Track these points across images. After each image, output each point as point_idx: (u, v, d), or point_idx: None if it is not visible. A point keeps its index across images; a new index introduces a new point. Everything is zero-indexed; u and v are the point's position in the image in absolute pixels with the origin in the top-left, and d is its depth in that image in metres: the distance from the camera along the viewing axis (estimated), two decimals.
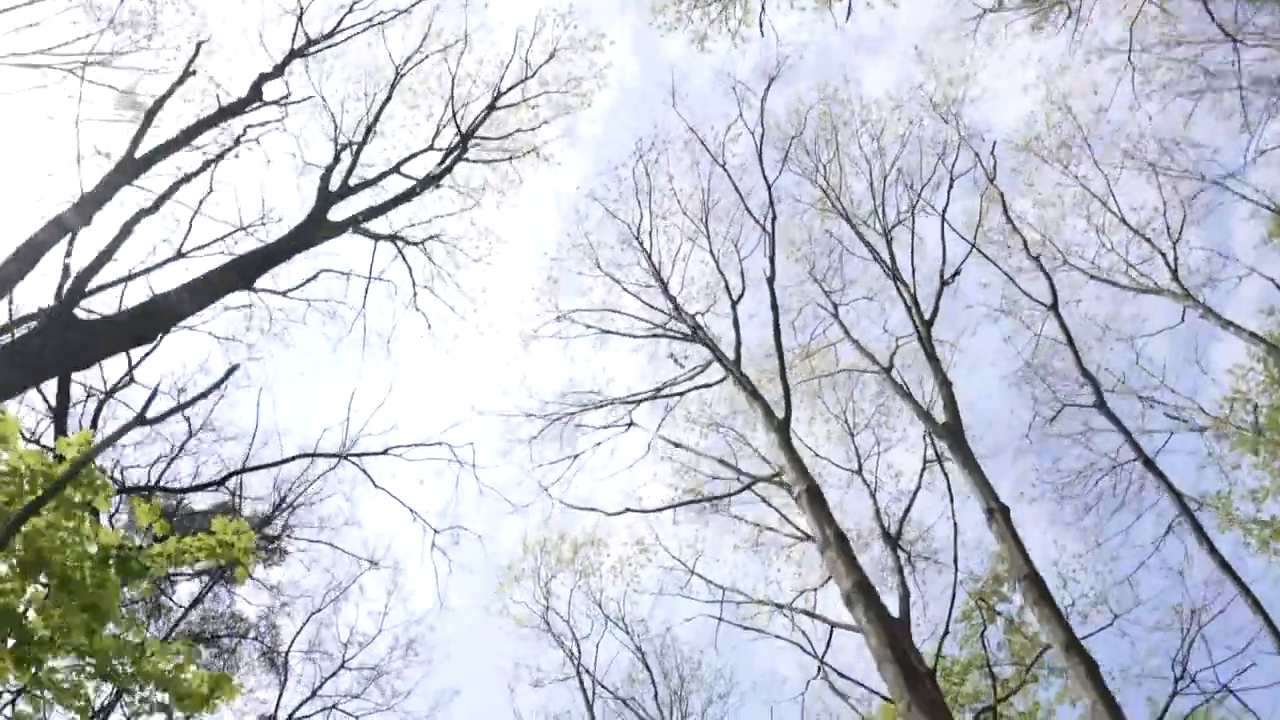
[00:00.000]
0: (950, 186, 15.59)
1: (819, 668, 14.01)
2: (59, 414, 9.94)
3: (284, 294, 17.24)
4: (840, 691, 12.80)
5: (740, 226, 17.92)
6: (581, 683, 17.82)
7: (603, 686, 17.85)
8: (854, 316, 17.89)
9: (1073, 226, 18.16)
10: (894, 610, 15.46)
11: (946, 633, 14.03)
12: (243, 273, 11.94)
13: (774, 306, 13.16)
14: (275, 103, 14.43)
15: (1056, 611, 8.60)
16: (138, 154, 11.15)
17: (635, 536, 20.52)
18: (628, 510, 14.55)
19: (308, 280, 17.37)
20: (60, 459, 7.49)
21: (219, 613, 20.20)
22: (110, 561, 8.07)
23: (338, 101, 16.35)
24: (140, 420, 5.87)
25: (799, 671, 19.76)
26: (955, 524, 15.12)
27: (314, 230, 13.41)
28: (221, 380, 6.90)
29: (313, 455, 14.60)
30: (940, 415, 12.12)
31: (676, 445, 13.93)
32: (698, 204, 18.03)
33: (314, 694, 22.07)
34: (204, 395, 6.70)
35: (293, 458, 14.37)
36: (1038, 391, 15.35)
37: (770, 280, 13.58)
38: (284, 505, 17.95)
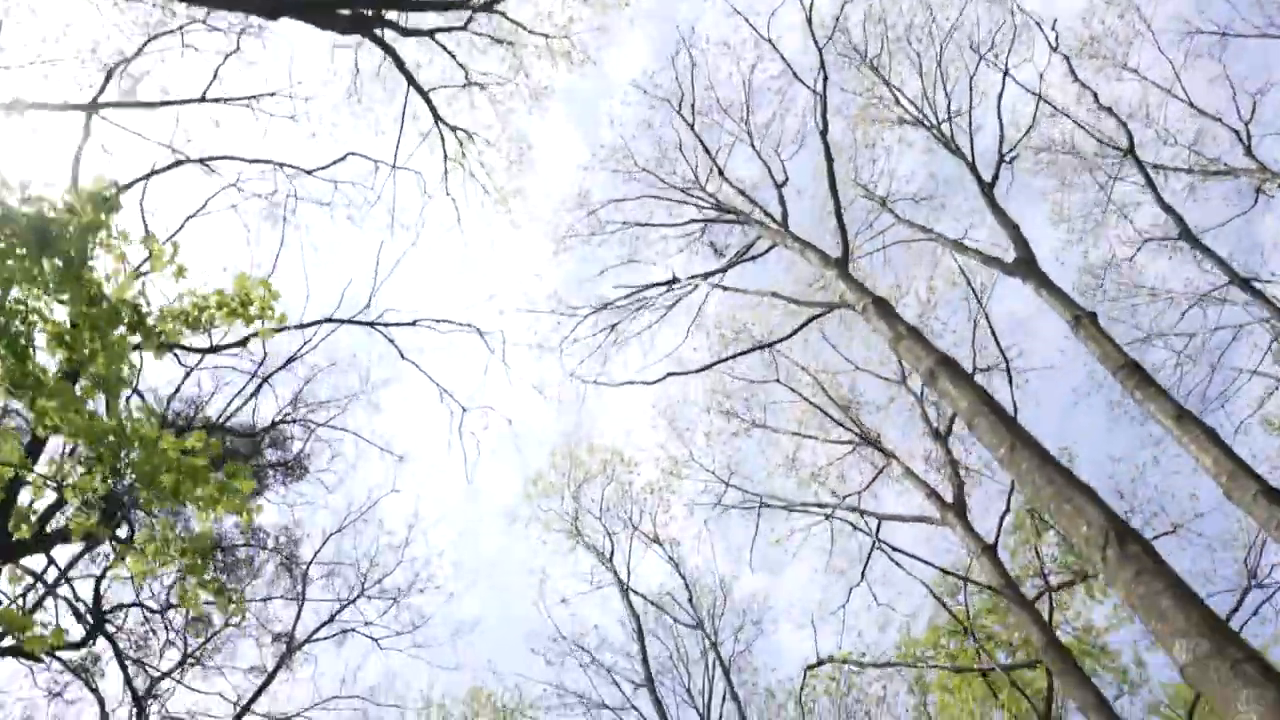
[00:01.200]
0: (1008, 59, 14.75)
1: (873, 544, 13.19)
2: None
3: (310, 173, 16.75)
4: (900, 563, 11.96)
5: (780, 128, 17.26)
6: (618, 577, 16.96)
7: (635, 593, 17.00)
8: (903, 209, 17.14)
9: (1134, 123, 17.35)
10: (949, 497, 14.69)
11: (1007, 510, 13.18)
12: None
13: (828, 157, 12.39)
14: None
15: (1162, 391, 7.81)
16: None
17: (668, 454, 19.86)
18: (669, 375, 13.79)
19: (335, 161, 16.86)
20: None
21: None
22: (121, 316, 7.38)
23: None
24: None
25: (833, 594, 18.80)
26: (1015, 401, 14.32)
27: None
28: None
29: (340, 321, 13.96)
30: (1010, 256, 11.32)
31: (727, 289, 13.08)
32: (739, 105, 17.37)
33: (332, 618, 21.44)
34: None
35: (318, 321, 13.72)
36: (1115, 233, 14.29)
37: (823, 133, 12.83)
38: (301, 401, 17.20)
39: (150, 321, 7.66)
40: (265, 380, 13.53)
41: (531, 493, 18.41)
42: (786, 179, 15.98)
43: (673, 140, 17.65)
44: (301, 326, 13.77)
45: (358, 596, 21.86)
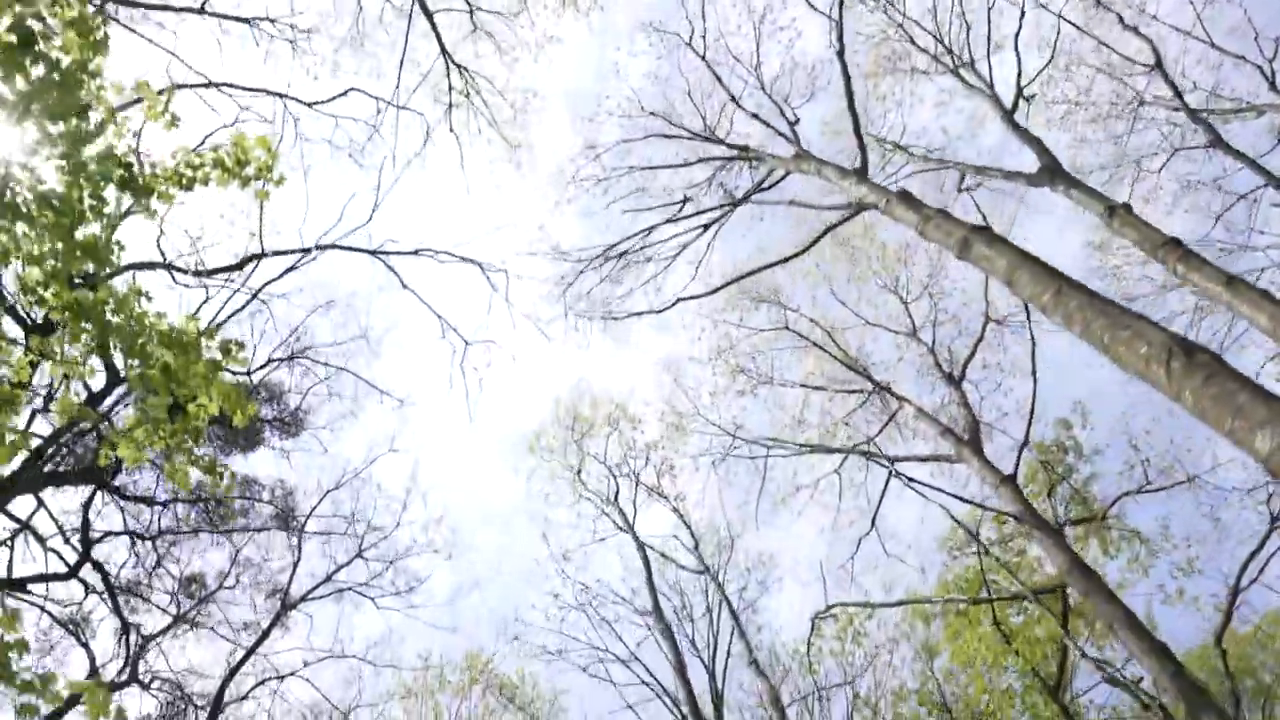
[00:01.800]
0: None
1: (889, 475, 12.81)
2: None
3: (311, 105, 16.35)
4: (919, 490, 11.57)
5: (790, 83, 16.94)
6: (622, 514, 16.54)
7: (640, 539, 16.55)
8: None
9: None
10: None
11: (1026, 443, 12.82)
12: None
13: (845, 75, 12.02)
14: None
15: (1207, 261, 7.45)
16: None
17: (673, 409, 19.48)
18: (679, 301, 13.41)
19: (337, 96, 16.48)
20: None
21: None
22: (112, 171, 6.98)
23: None
24: None
25: (840, 552, 18.36)
26: (1033, 336, 13.99)
27: None
28: None
29: (340, 248, 13.57)
30: (1033, 167, 10.95)
31: (752, 200, 12.63)
32: (749, 54, 17.02)
33: (329, 578, 21.02)
34: None
35: (317, 247, 13.32)
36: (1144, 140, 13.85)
37: (840, 53, 12.46)
38: (298, 338, 16.76)
39: (141, 181, 7.24)
40: (256, 294, 13.06)
41: (534, 444, 18.02)
42: (798, 120, 15.66)
43: (681, 87, 17.32)
44: (301, 251, 13.37)
45: (354, 558, 21.47)
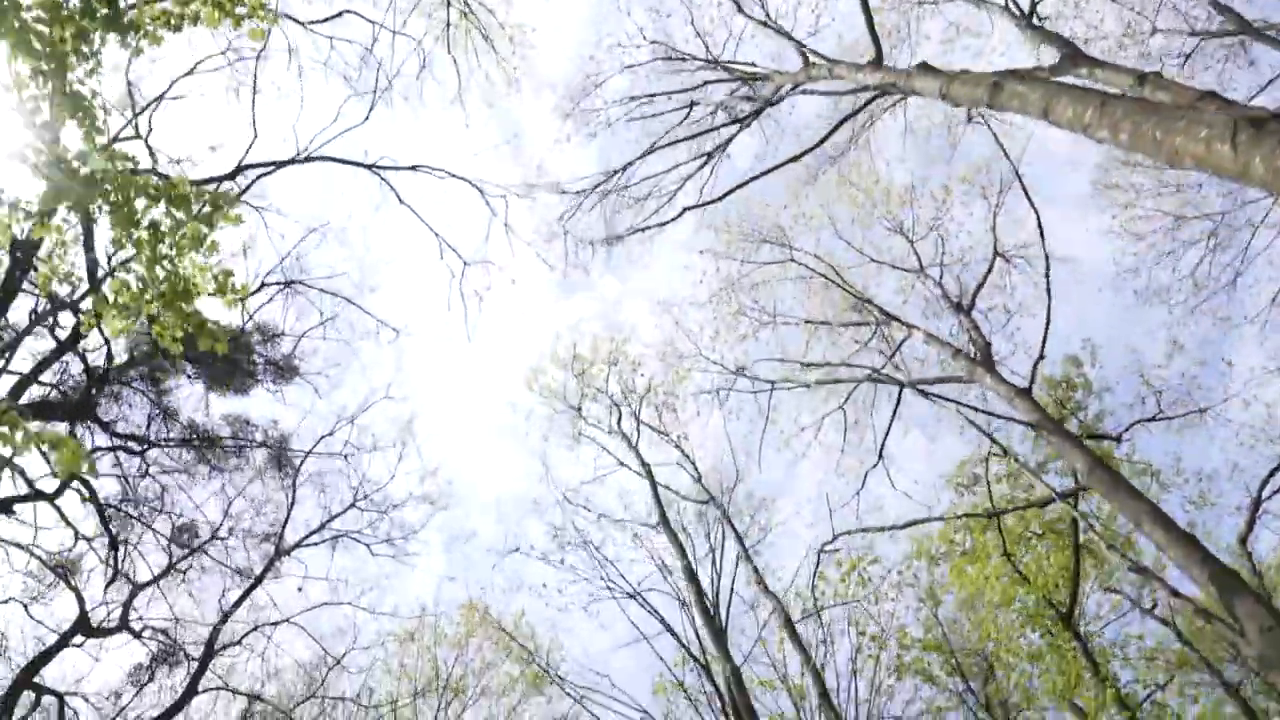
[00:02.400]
0: None
1: (900, 389, 12.46)
2: None
3: (305, 25, 15.91)
4: (935, 398, 11.22)
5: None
6: (625, 438, 16.17)
7: (652, 467, 16.12)
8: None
9: None
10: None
11: (1041, 356, 12.48)
12: None
13: None
14: None
15: (1246, 106, 7.09)
16: None
17: (674, 349, 19.10)
18: (686, 211, 13.03)
19: (331, 17, 16.03)
20: None
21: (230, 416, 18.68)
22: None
23: None
24: None
25: (846, 488, 17.96)
26: (1047, 255, 13.63)
27: None
28: None
29: (336, 160, 13.13)
30: (1050, 61, 10.57)
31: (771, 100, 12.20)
32: None
33: (323, 526, 20.66)
34: None
35: (311, 158, 12.87)
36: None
37: None
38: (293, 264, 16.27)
39: (126, 18, 6.84)
40: (245, 191, 12.57)
41: (532, 381, 17.65)
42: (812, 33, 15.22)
43: (684, 17, 16.88)
44: (293, 163, 12.91)
45: (349, 507, 21.10)
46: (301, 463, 19.43)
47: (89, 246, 9.61)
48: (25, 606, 18.63)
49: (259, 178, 12.36)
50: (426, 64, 16.53)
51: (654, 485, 15.46)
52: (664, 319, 18.19)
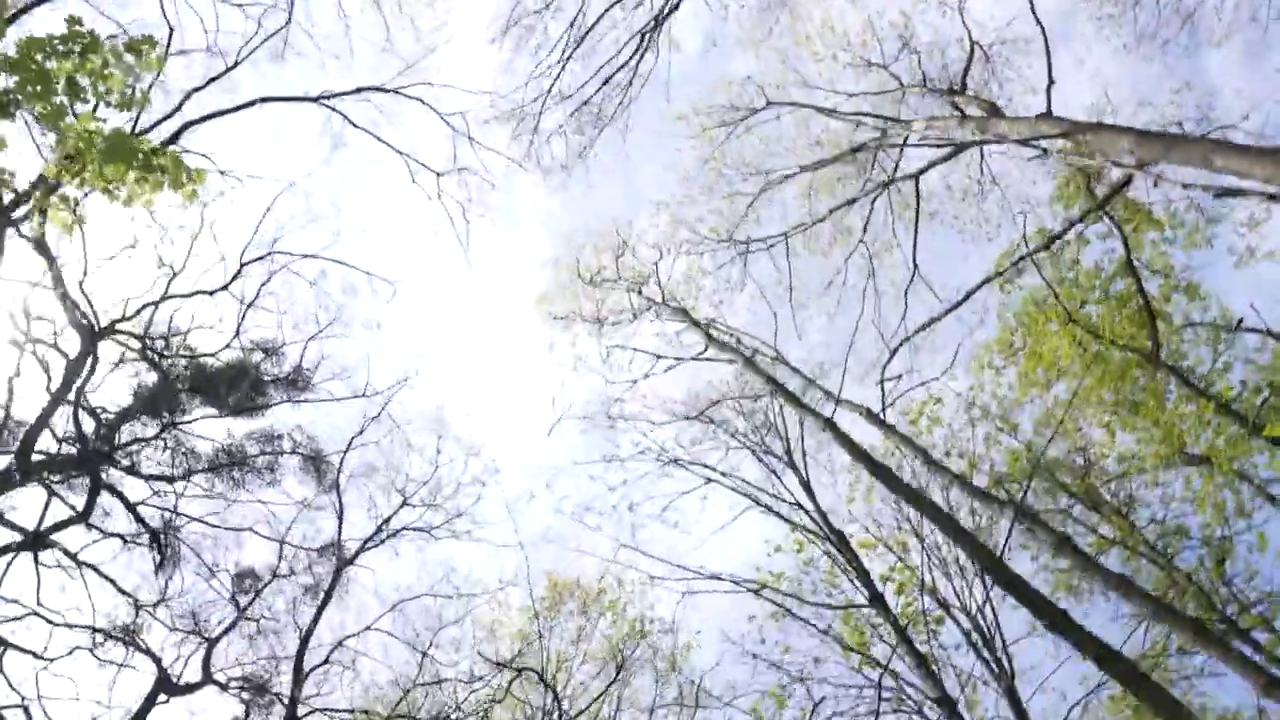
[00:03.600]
0: None
1: (915, 182, 11.69)
2: None
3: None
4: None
5: None
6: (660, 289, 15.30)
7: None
8: None
9: None
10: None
11: (1051, 82, 11.73)
12: None
13: None
14: None
15: None
16: None
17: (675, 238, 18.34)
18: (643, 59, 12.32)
19: None
20: None
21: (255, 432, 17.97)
22: None
23: None
24: None
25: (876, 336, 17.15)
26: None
27: None
28: None
29: (278, 99, 12.48)
30: None
31: None
32: None
33: (380, 529, 19.95)
34: None
35: (254, 101, 12.23)
36: None
37: None
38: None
39: None
40: (191, 124, 11.86)
41: (543, 301, 16.96)
42: None
43: None
44: (239, 109, 12.24)
45: (401, 506, 20.43)
46: (341, 466, 18.79)
47: None
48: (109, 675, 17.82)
49: (205, 118, 11.70)
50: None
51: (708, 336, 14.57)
52: (659, 217, 17.48)
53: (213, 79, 11.46)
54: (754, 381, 14.18)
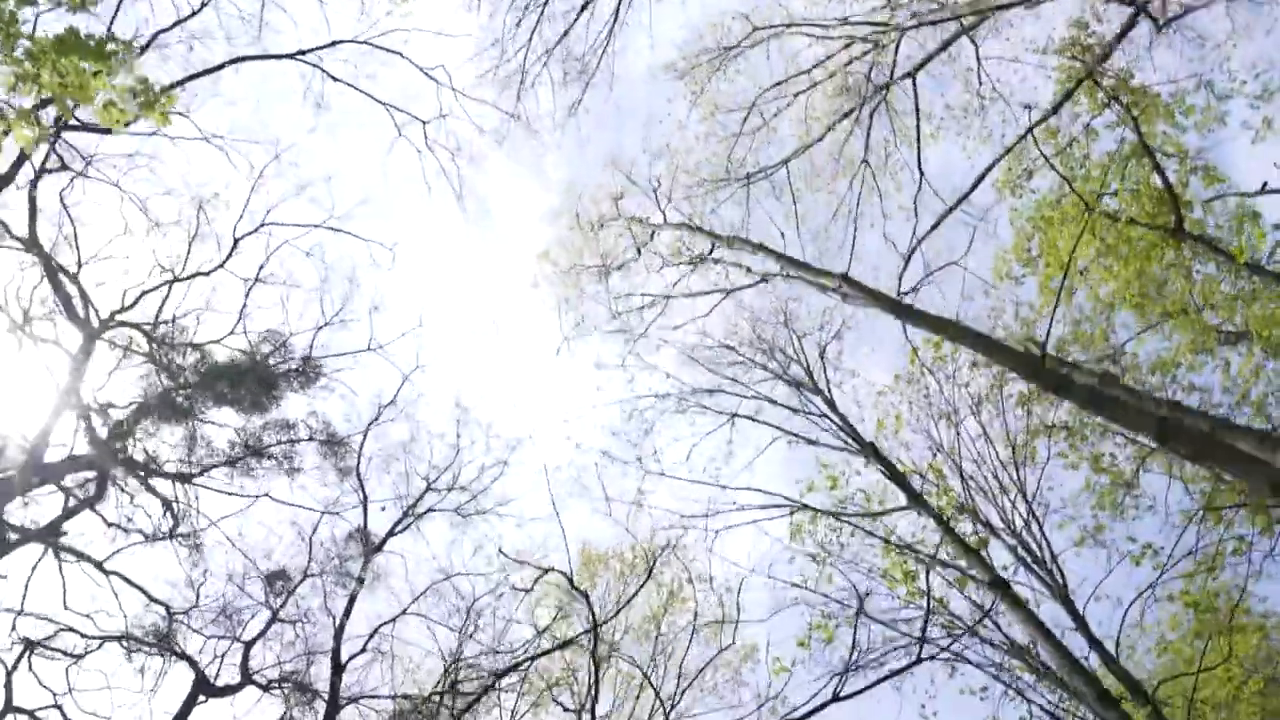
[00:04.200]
0: None
1: (913, 80, 11.29)
2: None
3: None
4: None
5: None
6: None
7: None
8: None
9: None
10: None
11: None
12: None
13: None
14: None
15: None
16: None
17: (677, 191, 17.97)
18: None
19: None
20: None
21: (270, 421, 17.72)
22: None
23: None
24: None
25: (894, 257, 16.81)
26: None
27: None
28: None
29: (255, 58, 12.24)
30: None
31: None
32: None
33: (405, 515, 19.61)
34: None
35: (230, 61, 11.96)
36: None
37: None
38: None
39: None
40: (185, 81, 11.59)
41: (545, 255, 16.63)
42: None
43: None
44: (212, 71, 12.01)
45: (426, 491, 20.11)
46: (360, 451, 18.49)
47: None
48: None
49: (180, 82, 11.46)
50: None
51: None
52: (656, 167, 17.12)
53: (179, 21, 11.22)
54: (769, 266, 13.78)
